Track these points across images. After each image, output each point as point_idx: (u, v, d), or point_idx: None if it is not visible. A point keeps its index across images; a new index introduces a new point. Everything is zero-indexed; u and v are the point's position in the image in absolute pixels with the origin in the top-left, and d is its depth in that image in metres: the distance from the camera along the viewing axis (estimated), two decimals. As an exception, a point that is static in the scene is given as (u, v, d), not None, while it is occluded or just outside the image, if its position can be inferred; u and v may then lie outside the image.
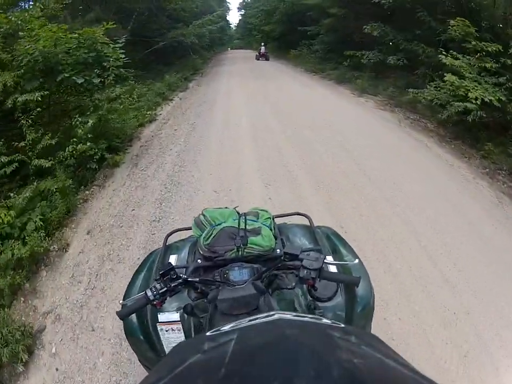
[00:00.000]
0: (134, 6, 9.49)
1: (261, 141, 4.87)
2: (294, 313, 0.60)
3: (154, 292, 0.81)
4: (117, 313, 0.83)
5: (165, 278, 0.82)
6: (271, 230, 1.15)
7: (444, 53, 5.00)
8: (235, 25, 45.66)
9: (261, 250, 1.05)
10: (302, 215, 1.42)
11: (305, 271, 0.79)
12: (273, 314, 0.53)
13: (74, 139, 3.46)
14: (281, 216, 1.41)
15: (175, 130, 5.60)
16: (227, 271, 0.93)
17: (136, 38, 10.02)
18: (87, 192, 3.56)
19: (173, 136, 5.32)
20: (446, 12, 6.44)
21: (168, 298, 0.85)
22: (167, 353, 0.98)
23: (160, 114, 6.82)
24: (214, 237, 1.08)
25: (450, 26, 5.31)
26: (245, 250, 1.04)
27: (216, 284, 0.89)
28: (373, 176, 3.72)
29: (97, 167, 3.87)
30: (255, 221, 1.16)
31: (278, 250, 1.08)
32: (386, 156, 4.35)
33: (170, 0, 11.11)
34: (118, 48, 4.14)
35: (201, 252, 1.09)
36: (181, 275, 0.85)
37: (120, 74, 4.42)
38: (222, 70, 14.29)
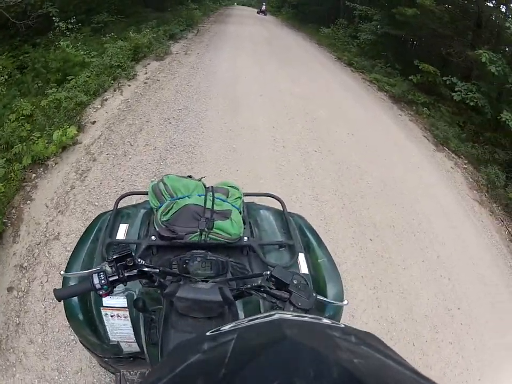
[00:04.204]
0: None
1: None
2: (294, 313, 0.60)
3: (102, 280, 0.68)
4: (55, 291, 0.71)
5: (118, 264, 0.69)
6: (240, 212, 1.04)
7: None
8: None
9: (228, 238, 0.95)
10: (275, 198, 1.30)
11: (292, 308, 0.68)
12: (273, 314, 0.53)
13: None
14: (251, 195, 1.29)
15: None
16: (187, 261, 0.82)
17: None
18: None
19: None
20: None
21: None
22: (111, 339, 0.92)
23: (94, 123, 3.42)
24: (174, 213, 0.95)
25: None
26: (209, 235, 0.93)
27: (177, 277, 0.78)
28: None
29: None
30: (224, 201, 1.03)
31: (245, 238, 0.99)
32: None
33: None
34: None
35: (156, 228, 0.96)
36: (138, 261, 0.72)
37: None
38: (225, 31, 10.86)
